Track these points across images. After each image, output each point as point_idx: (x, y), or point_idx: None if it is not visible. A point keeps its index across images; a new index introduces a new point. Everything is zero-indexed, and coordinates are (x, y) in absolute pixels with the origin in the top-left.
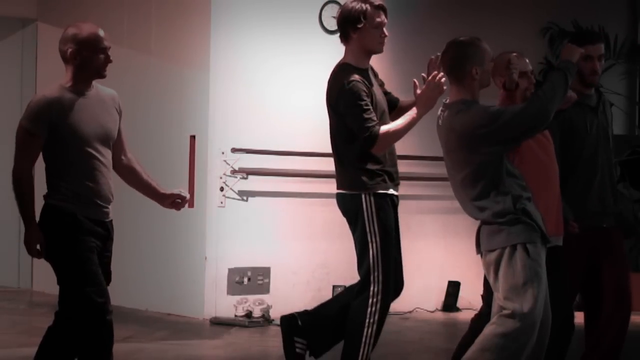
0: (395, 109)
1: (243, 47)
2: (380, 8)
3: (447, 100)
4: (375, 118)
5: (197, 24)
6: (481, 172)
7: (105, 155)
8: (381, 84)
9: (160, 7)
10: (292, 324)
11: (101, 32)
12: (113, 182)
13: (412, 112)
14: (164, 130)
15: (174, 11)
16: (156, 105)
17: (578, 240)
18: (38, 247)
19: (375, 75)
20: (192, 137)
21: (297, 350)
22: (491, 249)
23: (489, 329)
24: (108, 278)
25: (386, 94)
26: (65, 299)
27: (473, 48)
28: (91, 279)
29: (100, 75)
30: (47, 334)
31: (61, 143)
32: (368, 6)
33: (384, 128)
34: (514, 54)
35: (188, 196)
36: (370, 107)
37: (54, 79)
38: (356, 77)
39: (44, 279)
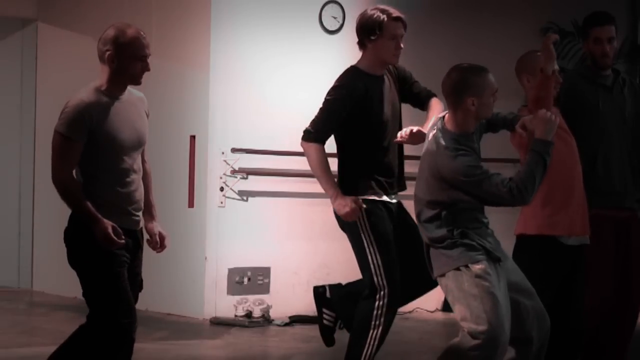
0: (423, 106)
1: (243, 47)
2: (399, 20)
3: (445, 117)
4: (328, 126)
5: (197, 24)
6: (438, 204)
7: (137, 161)
8: (408, 83)
9: (160, 7)
10: (321, 294)
11: (143, 39)
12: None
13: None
14: (164, 130)
15: (174, 11)
16: (156, 105)
17: (614, 224)
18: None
19: (400, 76)
20: (192, 137)
21: (325, 322)
22: (439, 275)
23: (453, 341)
24: (140, 285)
25: (415, 91)
26: (90, 313)
27: (474, 76)
28: (119, 298)
29: (136, 82)
30: (78, 332)
31: (97, 149)
32: (385, 17)
33: (318, 149)
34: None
35: (162, 248)
36: (335, 116)
37: (53, 79)
38: (348, 83)
39: (44, 279)
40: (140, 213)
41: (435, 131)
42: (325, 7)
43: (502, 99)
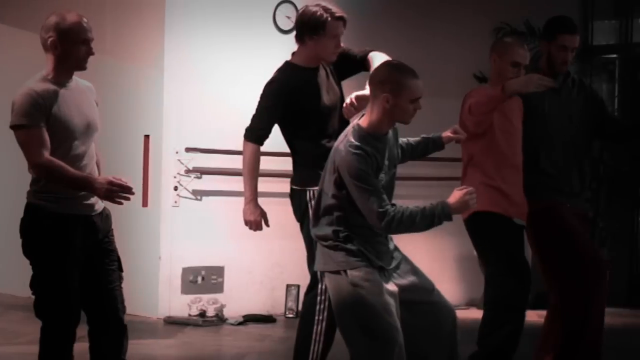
0: (366, 65)
1: (197, 46)
2: (341, 19)
3: (365, 113)
4: (262, 123)
5: (151, 23)
6: (331, 199)
7: (91, 148)
8: (344, 56)
9: (114, 6)
10: None
11: (85, 23)
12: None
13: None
14: (118, 129)
15: (128, 11)
16: (110, 104)
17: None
18: (111, 185)
19: (348, 58)
20: (146, 137)
21: None
22: (321, 271)
23: None
24: (120, 267)
25: (352, 58)
26: (34, 303)
27: (397, 75)
28: (64, 294)
29: (81, 67)
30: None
31: (49, 136)
32: (329, 17)
33: (251, 150)
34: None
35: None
36: (267, 112)
37: (14, 80)
38: (280, 78)
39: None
40: (94, 198)
41: (350, 126)
42: (279, 7)
43: (450, 98)
